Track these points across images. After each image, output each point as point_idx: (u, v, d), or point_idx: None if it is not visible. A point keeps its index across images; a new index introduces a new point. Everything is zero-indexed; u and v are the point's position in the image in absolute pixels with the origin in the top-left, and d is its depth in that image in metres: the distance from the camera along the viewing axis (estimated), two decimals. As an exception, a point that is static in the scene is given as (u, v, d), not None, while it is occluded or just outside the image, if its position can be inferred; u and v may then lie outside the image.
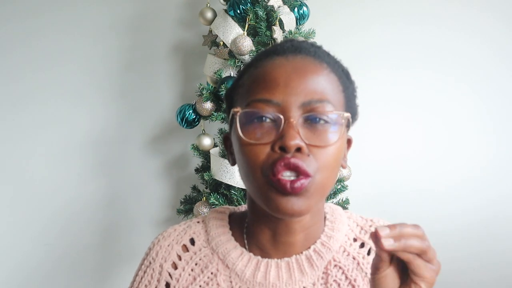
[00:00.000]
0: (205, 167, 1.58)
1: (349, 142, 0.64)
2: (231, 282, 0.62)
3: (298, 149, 0.53)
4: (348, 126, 0.60)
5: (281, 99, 0.55)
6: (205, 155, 1.58)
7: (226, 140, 0.66)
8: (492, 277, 1.76)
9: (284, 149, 0.53)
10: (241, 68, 0.65)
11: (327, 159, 0.55)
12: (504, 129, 1.78)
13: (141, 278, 0.68)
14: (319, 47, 0.62)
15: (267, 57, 0.60)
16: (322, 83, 0.56)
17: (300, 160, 0.53)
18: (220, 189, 1.50)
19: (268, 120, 0.55)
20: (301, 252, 0.63)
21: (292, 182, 0.53)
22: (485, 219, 1.77)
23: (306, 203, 0.55)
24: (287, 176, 0.53)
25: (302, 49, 0.59)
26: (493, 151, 1.78)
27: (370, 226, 0.68)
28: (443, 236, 1.78)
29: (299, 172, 0.53)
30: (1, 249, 1.84)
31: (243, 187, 1.42)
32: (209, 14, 1.57)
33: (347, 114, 0.57)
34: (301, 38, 1.49)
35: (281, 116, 0.54)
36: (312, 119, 0.55)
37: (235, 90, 0.63)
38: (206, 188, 1.54)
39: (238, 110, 0.57)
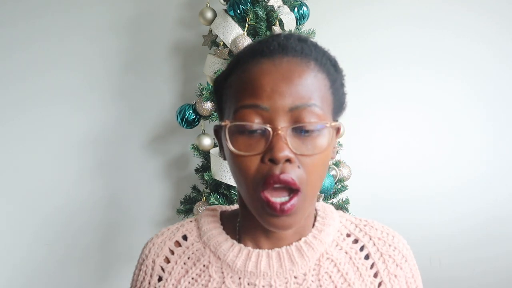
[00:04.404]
0: (205, 167, 1.58)
1: (338, 130, 0.64)
2: (222, 273, 0.64)
3: (287, 160, 0.55)
4: (337, 131, 0.61)
5: (269, 104, 0.56)
6: (205, 155, 1.58)
7: (217, 132, 0.67)
8: (495, 278, 1.76)
9: (273, 161, 0.55)
10: (230, 62, 0.64)
11: (316, 166, 0.57)
12: (507, 130, 1.78)
13: (137, 277, 0.71)
14: (306, 41, 0.62)
15: (254, 59, 0.59)
16: (309, 87, 0.57)
17: (289, 173, 0.55)
18: (220, 189, 1.50)
19: (256, 131, 0.56)
20: (292, 243, 0.65)
21: (282, 204, 0.55)
22: (488, 221, 1.77)
23: (296, 219, 0.57)
24: (276, 195, 0.55)
25: (288, 48, 0.59)
26: (496, 154, 1.78)
27: (365, 225, 0.69)
28: (445, 238, 1.79)
29: (289, 186, 0.55)
30: (2, 249, 1.84)
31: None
32: (209, 14, 1.57)
33: (334, 123, 0.59)
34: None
35: (270, 129, 0.55)
36: (299, 128, 0.56)
37: (223, 89, 0.63)
38: (206, 188, 1.54)
39: (226, 123, 0.58)
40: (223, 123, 0.59)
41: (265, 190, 0.55)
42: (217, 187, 1.51)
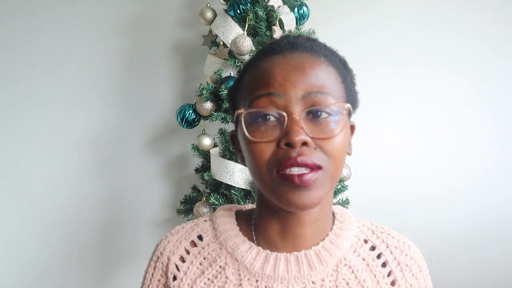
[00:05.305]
0: (205, 167, 1.58)
1: (352, 128, 0.66)
2: (239, 274, 0.63)
3: (304, 144, 0.55)
4: (349, 115, 0.61)
5: (282, 91, 0.56)
6: (205, 155, 1.58)
7: (233, 138, 0.68)
8: (496, 279, 1.76)
9: (290, 145, 0.54)
10: (241, 68, 0.66)
11: (334, 149, 0.56)
12: (508, 131, 1.78)
13: (152, 274, 0.69)
14: (315, 41, 0.63)
15: (266, 56, 0.61)
16: (321, 77, 0.58)
17: (307, 156, 0.54)
18: (220, 189, 1.50)
19: (271, 118, 0.57)
20: (310, 247, 0.64)
21: (300, 175, 0.54)
22: (488, 223, 1.77)
23: (316, 195, 0.56)
24: (295, 171, 0.55)
25: (298, 45, 0.61)
26: (497, 155, 1.78)
27: (382, 232, 0.69)
28: (446, 239, 1.78)
29: (308, 167, 0.54)
30: (2, 249, 1.84)
31: (243, 187, 1.43)
32: (209, 14, 1.57)
33: (348, 105, 0.59)
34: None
35: (284, 113, 0.55)
36: (314, 113, 0.56)
37: (237, 90, 0.65)
38: (206, 188, 1.54)
39: (242, 111, 0.58)
40: (239, 111, 0.59)
41: (280, 171, 0.55)
42: (217, 187, 1.51)
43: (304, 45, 0.61)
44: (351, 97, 0.63)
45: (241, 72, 0.65)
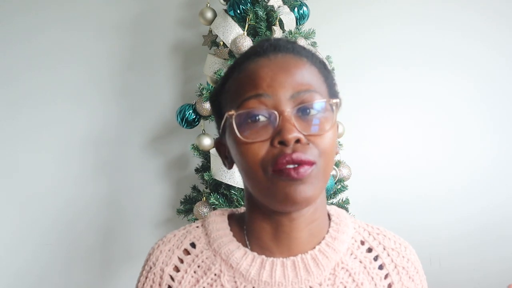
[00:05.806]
0: (205, 167, 1.58)
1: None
2: (235, 282, 0.62)
3: (297, 141, 0.55)
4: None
5: (271, 92, 0.57)
6: (205, 155, 1.58)
7: (218, 145, 0.67)
8: (496, 280, 1.76)
9: (284, 143, 0.55)
10: (224, 73, 0.66)
11: (325, 145, 0.57)
12: (509, 132, 1.78)
13: (143, 284, 0.68)
14: (295, 43, 0.64)
15: (249, 59, 0.61)
16: (306, 76, 0.59)
17: (301, 152, 0.55)
18: (220, 189, 1.50)
19: (261, 118, 0.57)
20: (306, 252, 0.63)
21: (296, 168, 0.54)
22: (488, 223, 1.77)
23: (312, 189, 0.56)
24: (290, 167, 0.55)
25: (281, 47, 0.61)
26: (498, 155, 1.78)
27: (378, 234, 0.68)
28: (446, 239, 1.78)
29: (303, 164, 0.55)
30: (2, 249, 1.84)
31: (243, 187, 1.43)
32: (209, 14, 1.57)
33: (336, 101, 0.59)
34: (302, 40, 1.49)
35: (275, 112, 0.56)
36: (304, 110, 0.57)
37: (221, 95, 0.64)
38: (206, 188, 1.54)
39: (232, 113, 0.58)
40: (229, 113, 0.58)
41: (276, 169, 0.55)
42: (217, 187, 1.51)
43: (286, 47, 0.62)
44: (333, 96, 0.64)
45: (223, 77, 0.65)
